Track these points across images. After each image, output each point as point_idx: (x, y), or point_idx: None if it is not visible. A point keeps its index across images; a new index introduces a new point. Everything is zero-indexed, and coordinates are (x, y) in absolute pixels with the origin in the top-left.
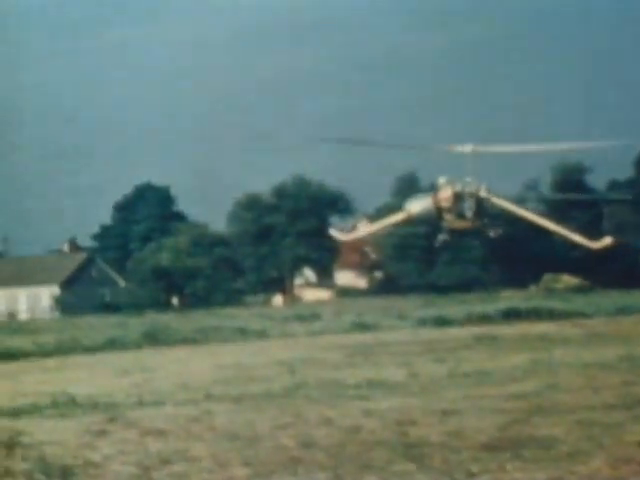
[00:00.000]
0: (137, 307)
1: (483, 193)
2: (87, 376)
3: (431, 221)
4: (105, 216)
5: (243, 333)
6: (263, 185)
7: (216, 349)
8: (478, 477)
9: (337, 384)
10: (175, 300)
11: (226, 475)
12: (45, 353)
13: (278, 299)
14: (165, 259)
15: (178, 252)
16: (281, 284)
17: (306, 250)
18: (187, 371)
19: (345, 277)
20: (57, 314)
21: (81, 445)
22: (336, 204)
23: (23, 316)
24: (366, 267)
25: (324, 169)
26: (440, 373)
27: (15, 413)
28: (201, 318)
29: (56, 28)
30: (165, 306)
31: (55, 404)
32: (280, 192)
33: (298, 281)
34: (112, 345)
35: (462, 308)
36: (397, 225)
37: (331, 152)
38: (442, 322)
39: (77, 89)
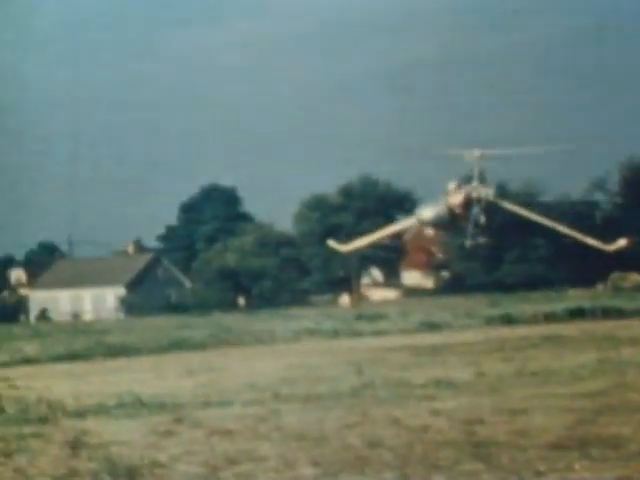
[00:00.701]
0: (203, 308)
1: (492, 198)
2: (153, 376)
3: (445, 227)
4: (171, 217)
5: (310, 333)
6: (329, 185)
7: (283, 349)
8: (546, 476)
9: (404, 384)
10: (241, 301)
11: (293, 475)
12: (111, 354)
13: (345, 299)
14: (231, 260)
15: (244, 253)
16: (348, 284)
17: (373, 250)
18: (254, 371)
19: (412, 277)
20: (122, 315)
21: (147, 445)
22: (402, 204)
23: (88, 317)
24: (432, 267)
25: (388, 170)
26: (507, 372)
27: (81, 413)
28: (267, 318)
29: (122, 29)
30: (231, 307)
31: (121, 404)
32: (347, 192)
33: (365, 281)
34: (178, 346)
35: (529, 307)
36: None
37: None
38: (509, 321)
39: (140, 89)
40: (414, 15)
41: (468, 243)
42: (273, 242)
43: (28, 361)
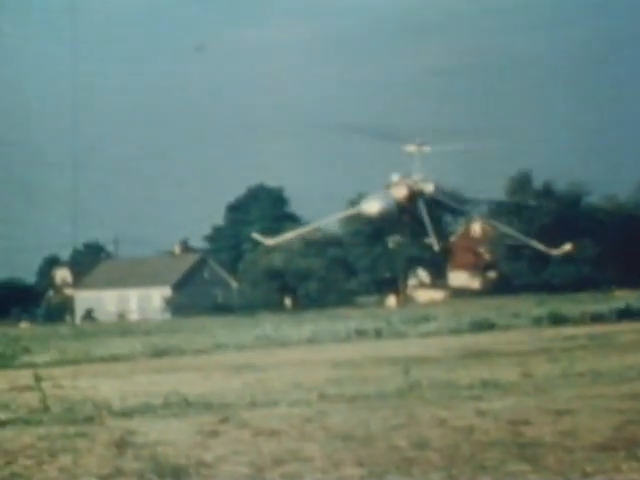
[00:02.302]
0: (250, 308)
1: (432, 191)
2: (199, 376)
3: (390, 221)
4: (217, 217)
5: (357, 334)
6: (377, 185)
7: (329, 349)
8: (593, 477)
9: (451, 384)
10: (288, 301)
11: (339, 475)
12: (157, 354)
13: (391, 300)
14: (278, 260)
15: (291, 253)
16: (394, 285)
17: (420, 251)
18: (300, 371)
19: (458, 278)
20: (168, 315)
21: (193, 445)
22: (449, 204)
23: (133, 317)
24: (479, 267)
25: (438, 169)
26: (554, 372)
27: (127, 413)
28: (314, 319)
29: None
30: (278, 307)
31: (167, 404)
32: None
33: (411, 282)
34: (225, 346)
35: (576, 307)
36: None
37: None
38: (556, 321)
39: (187, 89)
40: (452, 16)
41: (436, 246)
42: (320, 242)
43: (74, 361)
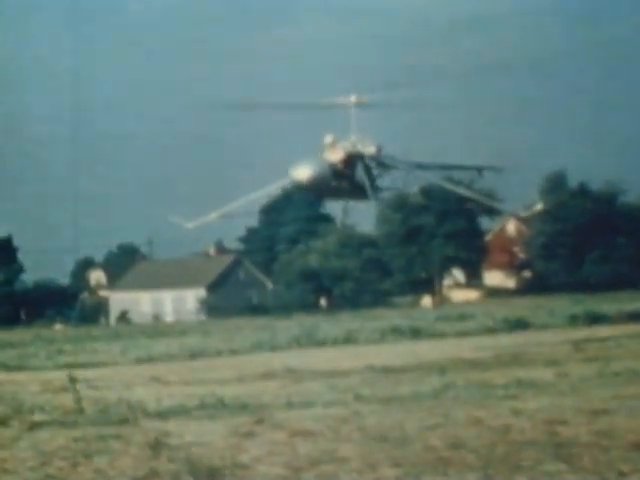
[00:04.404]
0: (285, 309)
1: (374, 153)
2: (235, 378)
3: (324, 189)
4: (252, 219)
5: (392, 334)
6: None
7: (365, 350)
8: (629, 477)
9: (486, 384)
10: (323, 302)
11: (375, 476)
12: (192, 355)
13: (426, 300)
14: (313, 261)
15: (326, 254)
16: (429, 285)
17: (455, 250)
18: (336, 372)
19: (494, 277)
20: (203, 316)
21: (229, 446)
22: (483, 204)
23: (168, 319)
24: (515, 267)
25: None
26: (590, 372)
27: (162, 414)
28: (349, 319)
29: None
30: (313, 308)
31: (203, 405)
32: (428, 192)
33: (446, 282)
34: (260, 347)
35: (612, 307)
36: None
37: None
38: (592, 321)
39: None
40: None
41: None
42: (355, 243)
43: (108, 362)
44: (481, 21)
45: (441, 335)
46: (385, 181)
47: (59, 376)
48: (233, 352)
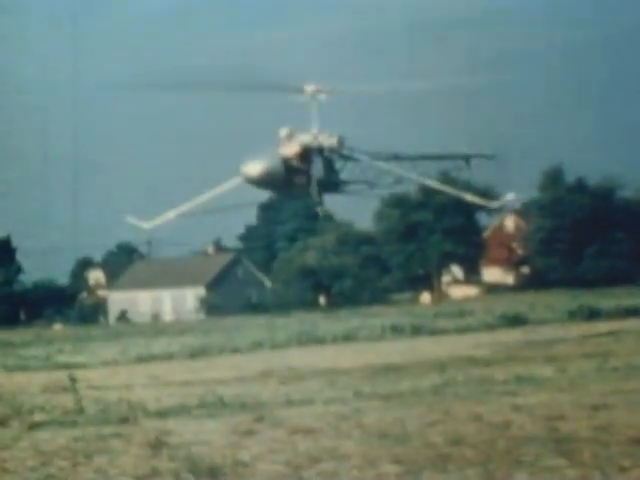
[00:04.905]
0: (284, 307)
1: (335, 145)
2: (234, 376)
3: (279, 186)
4: (250, 216)
5: (392, 331)
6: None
7: (364, 347)
8: (629, 472)
9: (486, 380)
10: (322, 299)
11: (375, 473)
12: (192, 354)
13: (425, 296)
14: (311, 258)
15: (325, 251)
16: (428, 281)
17: (453, 247)
18: (335, 369)
19: (492, 273)
20: (202, 315)
21: (229, 445)
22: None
23: (168, 318)
24: (513, 263)
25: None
26: (589, 367)
27: (162, 413)
28: (348, 317)
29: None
30: (312, 305)
31: (203, 404)
32: (426, 189)
33: (445, 278)
34: (260, 345)
35: (610, 302)
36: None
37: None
38: (590, 316)
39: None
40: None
41: (320, 210)
42: (353, 240)
43: (108, 362)
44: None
45: (440, 332)
46: (354, 174)
47: (59, 376)
48: (233, 350)
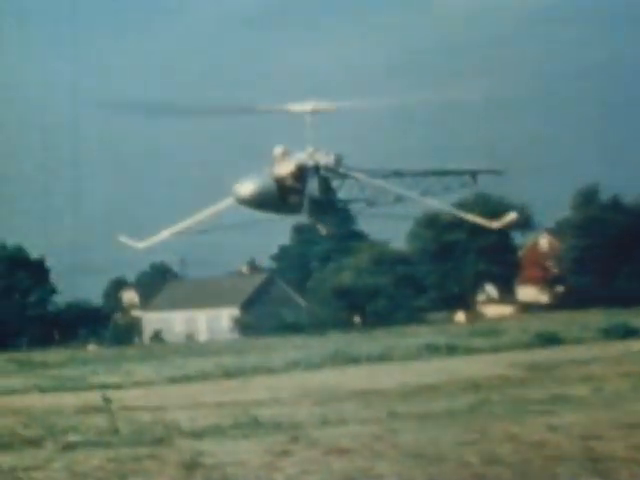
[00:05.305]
0: (318, 327)
1: (332, 163)
2: (269, 396)
3: (271, 205)
4: (284, 237)
5: (426, 350)
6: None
7: (399, 367)
8: None
9: (521, 399)
10: (357, 319)
11: None
12: (226, 374)
13: (460, 316)
14: (346, 278)
15: (359, 271)
16: (463, 300)
17: (487, 266)
18: (370, 389)
19: (527, 292)
20: (237, 335)
21: (264, 465)
22: (516, 219)
23: (202, 338)
24: (548, 282)
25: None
26: (624, 387)
27: (197, 434)
28: (384, 336)
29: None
30: (347, 325)
31: (237, 424)
32: (459, 208)
33: (480, 297)
34: (295, 366)
35: None
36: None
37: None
38: (625, 335)
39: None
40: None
41: (321, 228)
42: (388, 260)
43: (142, 382)
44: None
45: (475, 351)
46: (352, 192)
47: (93, 397)
48: (268, 371)
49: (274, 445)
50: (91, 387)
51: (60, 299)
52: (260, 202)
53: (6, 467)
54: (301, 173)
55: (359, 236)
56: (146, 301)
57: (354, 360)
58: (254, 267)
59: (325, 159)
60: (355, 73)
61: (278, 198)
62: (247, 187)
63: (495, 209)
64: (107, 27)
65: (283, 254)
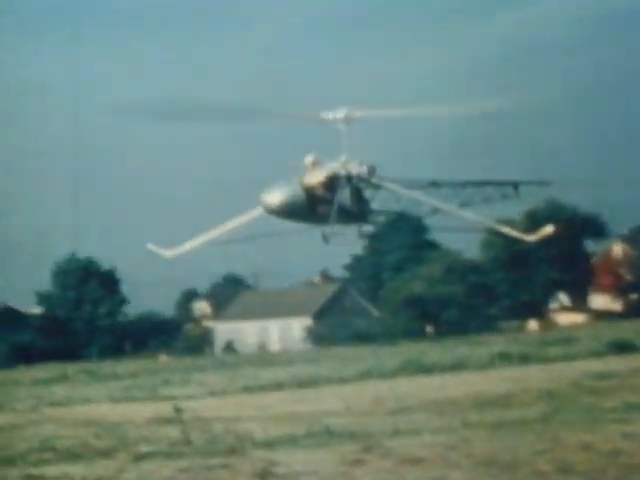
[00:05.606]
0: (391, 336)
1: (365, 173)
2: (342, 406)
3: (300, 215)
4: (357, 247)
5: (499, 359)
6: (515, 211)
7: (472, 376)
8: None
9: (595, 408)
10: (429, 328)
11: None
12: (299, 384)
13: (533, 324)
14: (418, 288)
15: (432, 280)
16: (535, 309)
17: (560, 274)
18: (443, 399)
19: (600, 300)
20: (309, 345)
21: (337, 475)
22: (589, 227)
23: (274, 348)
24: (621, 289)
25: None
26: None
27: (270, 443)
28: (456, 345)
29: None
30: (419, 335)
31: (310, 434)
32: (532, 217)
33: (553, 305)
34: (368, 375)
35: None
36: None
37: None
38: None
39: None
40: None
41: (328, 233)
42: (460, 269)
43: (215, 393)
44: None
45: (548, 359)
46: (386, 203)
47: (165, 407)
48: (341, 380)
49: (347, 455)
50: (163, 398)
51: (131, 310)
52: (288, 212)
53: (78, 477)
54: (331, 183)
55: (431, 245)
56: (218, 312)
57: (426, 369)
58: (327, 277)
59: (358, 169)
60: (421, 81)
61: (307, 208)
62: (275, 196)
63: (570, 217)
64: (181, 31)
65: (356, 264)
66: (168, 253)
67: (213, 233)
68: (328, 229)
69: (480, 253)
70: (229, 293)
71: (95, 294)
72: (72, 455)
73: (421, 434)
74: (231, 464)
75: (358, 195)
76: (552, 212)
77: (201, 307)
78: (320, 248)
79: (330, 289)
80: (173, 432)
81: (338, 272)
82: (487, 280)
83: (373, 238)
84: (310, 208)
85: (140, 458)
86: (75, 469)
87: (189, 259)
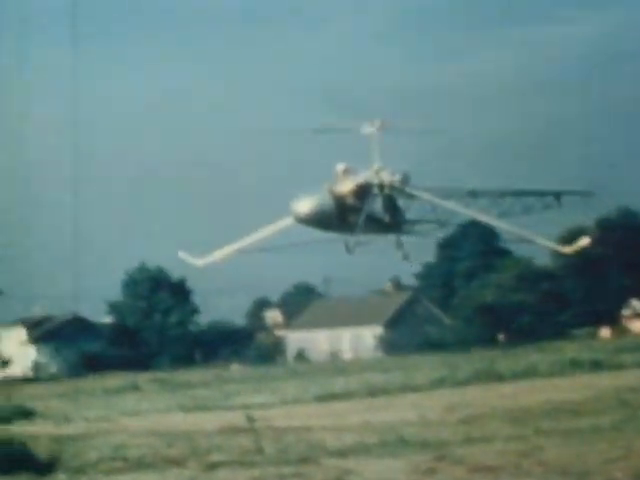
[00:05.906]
0: (463, 344)
1: (398, 182)
2: (415, 414)
3: (329, 224)
4: (428, 254)
5: (571, 366)
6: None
7: (544, 383)
8: None
9: None
10: (501, 336)
11: None
12: (371, 393)
13: (605, 331)
14: (490, 295)
15: (503, 288)
16: (608, 316)
17: (633, 281)
18: (516, 406)
19: None
20: (381, 353)
21: None
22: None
23: (346, 356)
24: None
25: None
26: None
27: (343, 452)
28: (528, 353)
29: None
30: (491, 342)
31: (383, 443)
32: (605, 224)
33: (625, 312)
34: (440, 383)
35: None
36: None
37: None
38: None
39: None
40: None
41: (351, 243)
42: (533, 276)
43: (287, 401)
44: None
45: (621, 366)
46: (422, 212)
47: (237, 416)
48: (413, 389)
49: (420, 463)
50: (234, 407)
51: (202, 319)
52: (318, 220)
53: None
54: (363, 191)
55: (503, 252)
56: (290, 320)
57: (499, 377)
58: (398, 285)
59: (390, 178)
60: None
61: (337, 217)
62: (305, 205)
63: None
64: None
65: (427, 272)
66: (199, 262)
67: (243, 242)
68: (352, 239)
69: (553, 260)
70: (300, 301)
71: (166, 304)
72: (143, 464)
73: (493, 442)
74: (304, 473)
75: (391, 204)
76: (625, 219)
77: (273, 316)
78: (391, 256)
79: (402, 297)
80: (245, 441)
81: (410, 280)
82: (559, 287)
83: (444, 246)
84: (340, 217)
85: (212, 467)
86: (147, 478)
87: (260, 267)
